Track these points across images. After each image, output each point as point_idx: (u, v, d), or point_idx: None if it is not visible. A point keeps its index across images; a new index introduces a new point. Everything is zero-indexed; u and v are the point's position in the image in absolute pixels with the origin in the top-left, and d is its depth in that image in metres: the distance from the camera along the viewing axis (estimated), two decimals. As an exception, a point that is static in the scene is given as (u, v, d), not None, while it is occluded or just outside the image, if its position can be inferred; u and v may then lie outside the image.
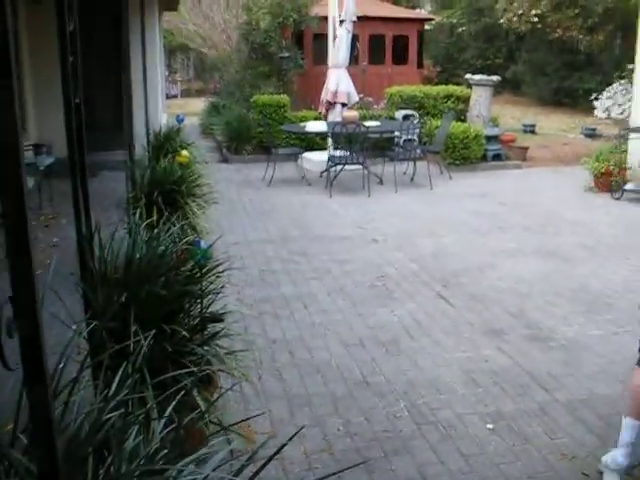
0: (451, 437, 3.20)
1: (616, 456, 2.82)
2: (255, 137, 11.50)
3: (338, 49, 10.12)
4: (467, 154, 10.44)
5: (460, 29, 23.96)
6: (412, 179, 9.64)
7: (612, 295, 5.17)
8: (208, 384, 2.85)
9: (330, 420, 3.35)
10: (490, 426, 3.29)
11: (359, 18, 10.67)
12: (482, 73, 13.23)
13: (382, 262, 6.03)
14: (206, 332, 3.04)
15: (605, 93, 15.72)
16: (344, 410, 3.45)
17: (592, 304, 4.97)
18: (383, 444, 3.15)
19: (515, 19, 18.49)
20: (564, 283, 5.46)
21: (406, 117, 11.07)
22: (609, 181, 8.77)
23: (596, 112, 15.78)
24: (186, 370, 2.50)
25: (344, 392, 3.65)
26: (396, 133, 10.39)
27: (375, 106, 12.89)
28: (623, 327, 4.52)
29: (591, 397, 3.56)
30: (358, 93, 10.84)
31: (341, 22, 10.07)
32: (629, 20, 19.03)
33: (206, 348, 2.85)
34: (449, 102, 12.02)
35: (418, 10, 25.22)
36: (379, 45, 17.61)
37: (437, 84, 16.31)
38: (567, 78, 20.18)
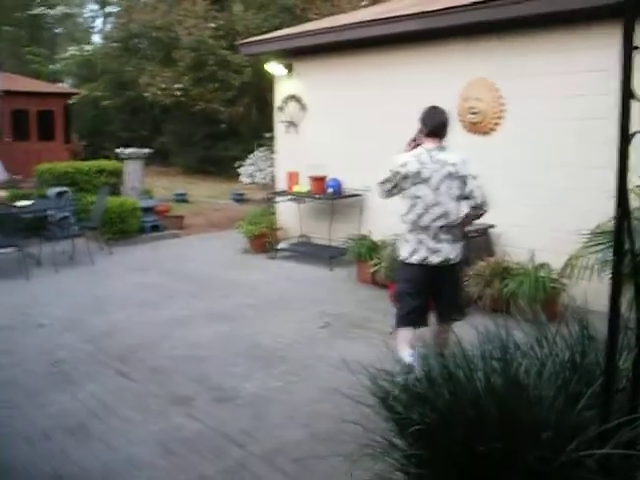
0: (157, 512, 3.23)
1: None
2: None
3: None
4: (125, 228, 10.48)
5: (104, 102, 24.05)
6: (72, 258, 9.36)
7: (283, 348, 5.64)
8: None
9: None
10: (193, 493, 3.38)
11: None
12: (129, 146, 13.40)
13: (53, 347, 5.77)
14: None
15: (248, 160, 17.00)
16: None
17: (267, 359, 5.36)
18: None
19: (159, 93, 19.18)
20: (238, 343, 5.80)
21: (59, 194, 10.77)
22: (264, 242, 9.56)
23: (241, 178, 16.96)
24: None
25: (36, 491, 3.44)
26: (50, 211, 10.03)
27: (24, 184, 12.31)
28: (299, 376, 4.97)
29: (282, 444, 3.86)
30: (5, 171, 10.29)
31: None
32: (263, 93, 21.05)
33: None
34: (102, 177, 11.96)
35: (60, 84, 24.77)
36: (23, 121, 16.93)
37: (84, 159, 16.13)
38: (212, 147, 21.46)
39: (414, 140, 4.66)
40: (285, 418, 4.25)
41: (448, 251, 4.48)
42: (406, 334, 4.59)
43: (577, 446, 2.01)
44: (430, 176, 4.40)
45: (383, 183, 4.61)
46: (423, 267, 4.49)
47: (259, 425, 4.16)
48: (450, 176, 4.41)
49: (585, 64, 6.40)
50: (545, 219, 6.78)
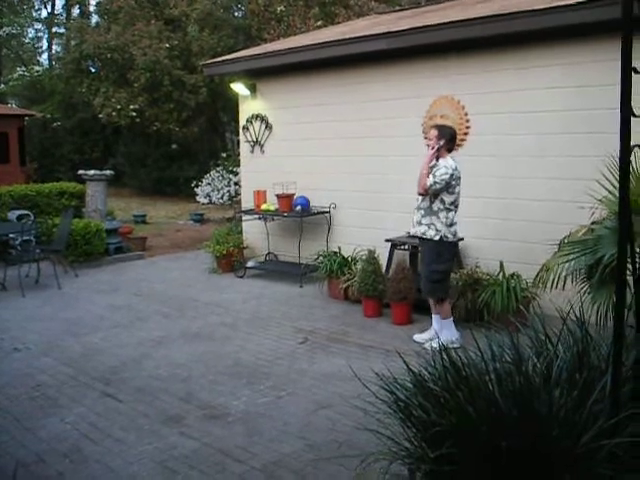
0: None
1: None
2: None
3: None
4: (90, 250, 10.38)
5: (55, 124, 23.75)
6: (37, 281, 9.25)
7: (265, 364, 5.70)
8: None
9: None
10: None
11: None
12: (81, 168, 13.23)
13: (32, 371, 5.71)
14: None
15: (204, 180, 17.00)
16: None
17: (251, 376, 5.42)
18: None
19: (114, 114, 19.05)
20: (219, 361, 5.84)
21: (20, 217, 10.65)
22: (231, 261, 9.60)
23: (198, 198, 16.95)
24: None
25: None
26: (12, 235, 9.90)
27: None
28: (284, 390, 5.05)
29: (281, 458, 3.93)
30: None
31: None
32: (217, 113, 21.14)
33: None
34: (63, 199, 11.88)
35: (9, 105, 24.36)
36: (-23, 144, 16.57)
37: (36, 181, 15.93)
38: (167, 168, 21.37)
39: (437, 150, 5.91)
40: (279, 432, 4.32)
41: None
42: (449, 307, 6.09)
43: (591, 438, 2.16)
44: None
45: (441, 180, 5.78)
46: (456, 244, 6.31)
47: (254, 440, 4.22)
48: None
49: (546, 81, 6.69)
50: (513, 230, 7.02)
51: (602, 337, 3.00)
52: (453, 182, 5.83)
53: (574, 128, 6.53)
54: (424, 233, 5.94)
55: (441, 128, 6.04)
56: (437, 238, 5.87)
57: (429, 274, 6.00)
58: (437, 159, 5.92)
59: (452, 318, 6.08)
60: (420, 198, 5.97)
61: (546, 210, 6.74)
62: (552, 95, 6.67)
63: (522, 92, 6.89)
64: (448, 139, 5.93)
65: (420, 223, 5.97)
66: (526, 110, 6.87)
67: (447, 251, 5.99)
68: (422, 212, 5.95)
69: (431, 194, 5.84)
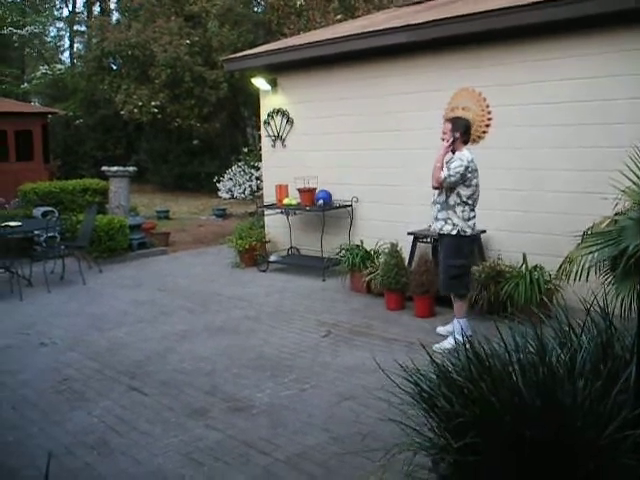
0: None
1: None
2: None
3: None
4: (113, 246, 10.48)
5: (77, 121, 23.99)
6: (62, 277, 9.36)
7: (288, 357, 5.74)
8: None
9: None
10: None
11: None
12: (104, 164, 13.36)
13: (59, 365, 5.80)
14: None
15: (226, 175, 17.10)
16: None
17: (274, 369, 5.46)
18: None
19: (136, 111, 19.19)
20: (242, 354, 5.89)
21: (45, 214, 10.78)
22: (254, 256, 9.65)
23: (220, 193, 17.05)
24: None
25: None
26: (37, 231, 10.03)
27: (7, 205, 12.27)
28: (308, 383, 5.08)
29: (305, 450, 3.96)
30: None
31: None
32: (238, 108, 21.21)
33: None
34: (86, 195, 12.01)
35: (32, 103, 24.63)
36: (1, 142, 16.74)
37: (59, 178, 16.09)
38: (189, 164, 21.49)
39: (451, 143, 5.81)
40: (303, 424, 4.35)
41: None
42: (466, 306, 5.96)
43: (615, 429, 2.16)
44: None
45: (456, 173, 5.65)
46: (475, 238, 6.29)
47: (279, 432, 4.25)
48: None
49: (568, 72, 6.63)
50: (535, 222, 6.97)
51: (626, 328, 2.99)
52: (469, 175, 5.68)
53: (596, 119, 6.48)
54: (441, 228, 5.84)
55: (455, 121, 5.92)
56: (454, 233, 5.76)
57: (446, 269, 5.88)
58: (453, 152, 5.82)
59: (466, 319, 5.88)
60: (436, 192, 5.86)
61: (570, 201, 6.69)
62: (574, 86, 6.62)
63: (542, 84, 6.84)
64: (463, 131, 5.80)
65: (437, 218, 5.86)
66: (549, 101, 6.82)
67: (465, 246, 5.87)
68: (439, 206, 5.84)
69: (446, 187, 5.72)
